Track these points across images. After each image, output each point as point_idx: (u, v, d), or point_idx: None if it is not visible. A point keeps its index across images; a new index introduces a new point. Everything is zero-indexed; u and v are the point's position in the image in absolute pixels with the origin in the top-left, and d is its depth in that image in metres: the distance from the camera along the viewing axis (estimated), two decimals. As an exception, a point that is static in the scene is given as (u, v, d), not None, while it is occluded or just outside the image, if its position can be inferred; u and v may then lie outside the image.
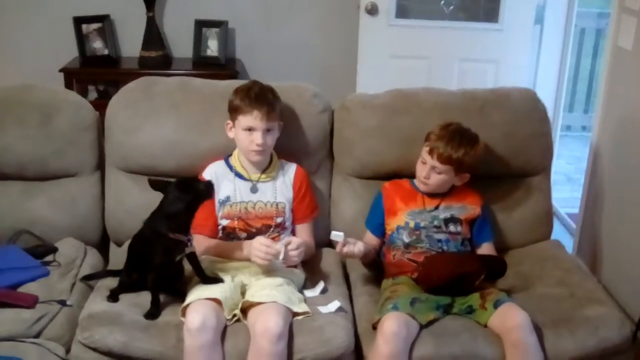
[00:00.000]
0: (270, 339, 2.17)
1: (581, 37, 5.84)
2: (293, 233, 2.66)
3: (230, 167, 2.61)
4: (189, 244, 2.34)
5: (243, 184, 2.59)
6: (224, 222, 2.58)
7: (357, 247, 2.44)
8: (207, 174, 2.59)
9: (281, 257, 2.35)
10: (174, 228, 2.30)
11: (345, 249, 2.42)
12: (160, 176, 2.66)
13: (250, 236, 2.53)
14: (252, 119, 2.49)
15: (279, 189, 2.61)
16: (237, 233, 2.57)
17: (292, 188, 2.63)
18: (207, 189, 2.39)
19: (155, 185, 2.35)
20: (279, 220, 2.59)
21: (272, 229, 2.58)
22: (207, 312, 2.22)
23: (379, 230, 2.66)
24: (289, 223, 2.63)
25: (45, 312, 2.33)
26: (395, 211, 2.62)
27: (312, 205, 2.70)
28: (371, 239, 2.66)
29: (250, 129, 2.50)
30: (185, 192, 2.29)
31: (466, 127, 2.60)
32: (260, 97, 2.52)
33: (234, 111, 2.55)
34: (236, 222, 2.57)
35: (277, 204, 2.59)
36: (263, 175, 2.61)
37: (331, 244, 2.83)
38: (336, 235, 2.41)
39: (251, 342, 2.21)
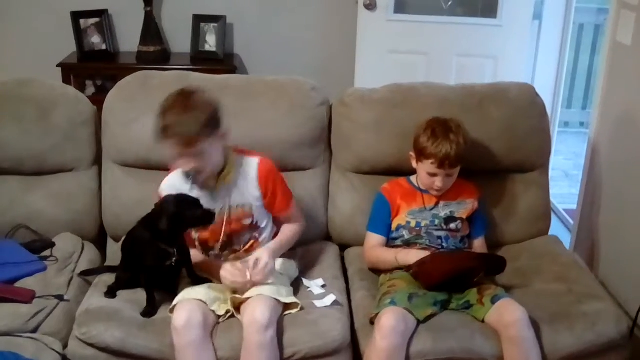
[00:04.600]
0: (257, 329, 2.17)
1: (580, 33, 5.82)
2: (278, 224, 2.56)
3: (188, 176, 2.36)
4: (175, 253, 2.32)
5: (202, 194, 2.38)
6: (194, 235, 2.47)
7: None
8: (165, 188, 2.41)
9: (248, 276, 2.30)
10: (161, 239, 2.29)
11: None
12: (155, 169, 2.65)
13: (224, 246, 2.46)
14: (170, 148, 2.26)
15: (242, 190, 2.42)
16: (210, 245, 2.48)
17: (258, 186, 2.43)
18: (204, 219, 2.30)
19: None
20: (247, 222, 2.45)
21: (245, 232, 2.47)
22: (193, 310, 2.21)
23: (388, 230, 2.62)
24: (264, 222, 2.49)
25: (42, 307, 2.33)
26: (398, 210, 2.61)
27: (286, 195, 2.51)
28: (380, 240, 2.61)
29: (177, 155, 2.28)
30: (180, 212, 2.25)
31: (441, 117, 2.56)
32: (171, 127, 2.21)
33: None
34: (205, 233, 2.45)
35: (242, 206, 2.43)
36: (220, 180, 2.41)
37: (329, 238, 2.85)
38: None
39: (243, 336, 2.21)
